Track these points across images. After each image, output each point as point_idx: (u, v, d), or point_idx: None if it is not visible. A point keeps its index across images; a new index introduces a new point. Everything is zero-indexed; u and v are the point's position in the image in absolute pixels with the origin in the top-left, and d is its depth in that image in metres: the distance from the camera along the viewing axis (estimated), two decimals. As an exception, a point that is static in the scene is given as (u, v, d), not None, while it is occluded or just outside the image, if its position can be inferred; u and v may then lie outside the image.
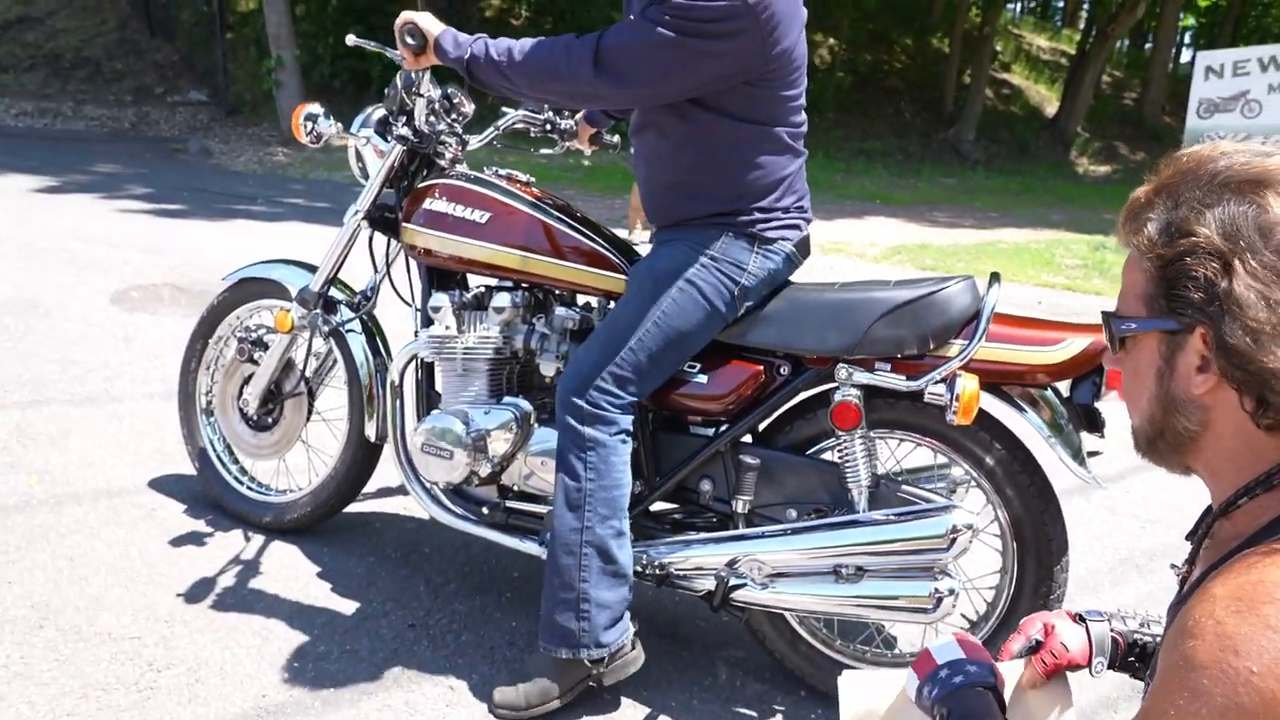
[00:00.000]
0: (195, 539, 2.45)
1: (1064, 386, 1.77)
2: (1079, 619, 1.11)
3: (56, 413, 3.22)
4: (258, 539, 2.48)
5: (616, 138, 2.59)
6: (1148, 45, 26.65)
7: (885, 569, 1.73)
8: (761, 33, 1.61)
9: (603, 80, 1.65)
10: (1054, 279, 7.46)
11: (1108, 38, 19.07)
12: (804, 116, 1.81)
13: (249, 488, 2.55)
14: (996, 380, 1.72)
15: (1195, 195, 0.81)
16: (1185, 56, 26.50)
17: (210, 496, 2.61)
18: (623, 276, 1.95)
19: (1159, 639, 1.07)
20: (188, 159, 12.04)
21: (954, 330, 1.72)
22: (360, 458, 2.36)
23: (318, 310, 2.27)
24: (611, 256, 1.96)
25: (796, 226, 1.84)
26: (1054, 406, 1.76)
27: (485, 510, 2.07)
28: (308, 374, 2.41)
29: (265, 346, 2.38)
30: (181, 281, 5.30)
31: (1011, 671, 1.08)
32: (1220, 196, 0.80)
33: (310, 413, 2.46)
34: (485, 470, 1.98)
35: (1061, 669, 1.08)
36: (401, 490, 2.83)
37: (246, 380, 2.47)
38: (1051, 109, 20.61)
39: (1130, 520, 2.92)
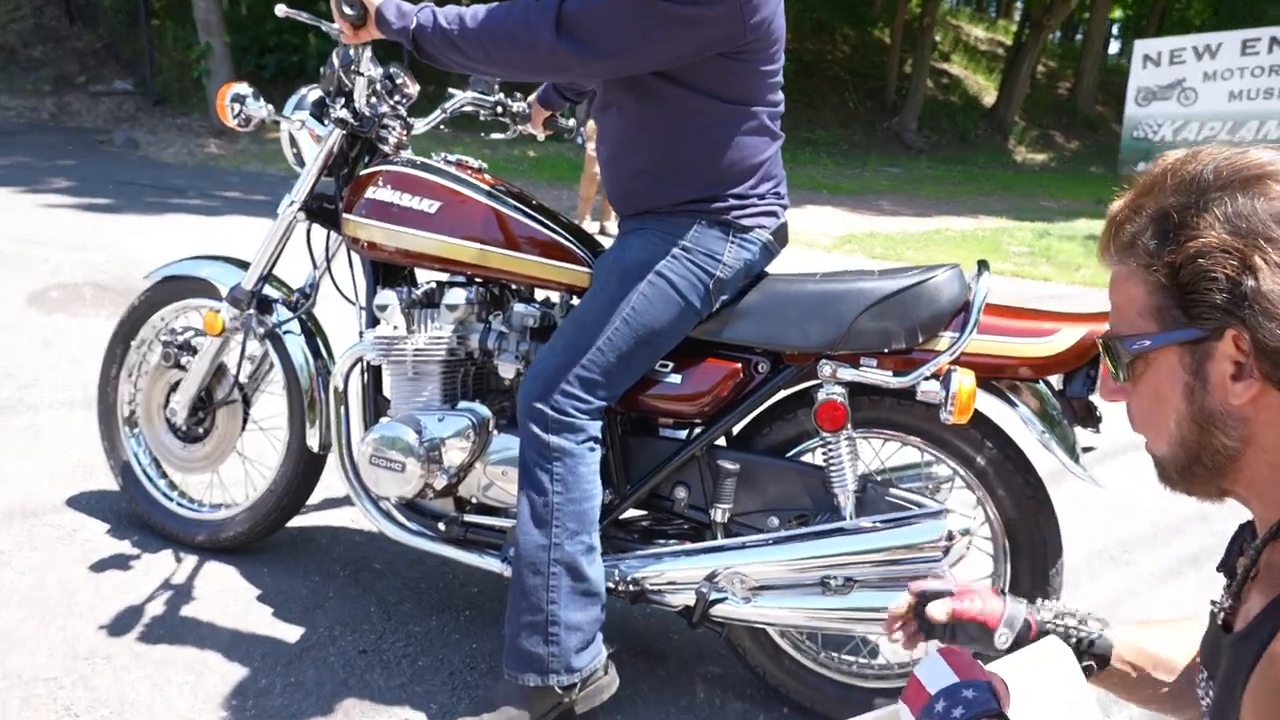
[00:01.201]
0: (120, 562, 2.24)
1: (1056, 379, 1.68)
2: (1000, 593, 1.08)
3: (-37, 426, 2.96)
4: (190, 560, 2.28)
5: (572, 121, 2.44)
6: (1078, 37, 27.31)
7: (876, 579, 1.63)
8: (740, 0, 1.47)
9: (565, 47, 1.50)
10: (1003, 266, 7.51)
11: (1043, 29, 19.43)
12: (781, 96, 1.68)
13: (179, 504, 2.35)
14: (988, 374, 1.62)
15: (1188, 198, 0.77)
16: (1114, 48, 27.15)
17: (137, 515, 2.40)
18: (586, 270, 1.80)
19: (1079, 630, 1.04)
20: (114, 151, 11.49)
21: (943, 322, 1.62)
22: (302, 469, 2.18)
23: (251, 310, 2.08)
24: (574, 248, 1.81)
25: (774, 213, 1.71)
26: (1046, 400, 1.67)
27: (441, 525, 1.91)
28: (242, 379, 2.21)
29: (193, 351, 2.18)
30: (105, 280, 4.99)
31: (1009, 671, 0.97)
32: (1218, 195, 0.75)
33: (245, 422, 2.26)
34: (440, 482, 1.82)
35: (966, 617, 1.05)
36: (348, 501, 2.65)
37: (173, 387, 2.27)
38: (990, 98, 20.95)
39: (1106, 511, 2.88)
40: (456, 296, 1.84)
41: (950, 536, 1.57)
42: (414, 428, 1.78)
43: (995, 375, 1.63)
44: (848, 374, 1.65)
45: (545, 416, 1.63)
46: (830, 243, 8.36)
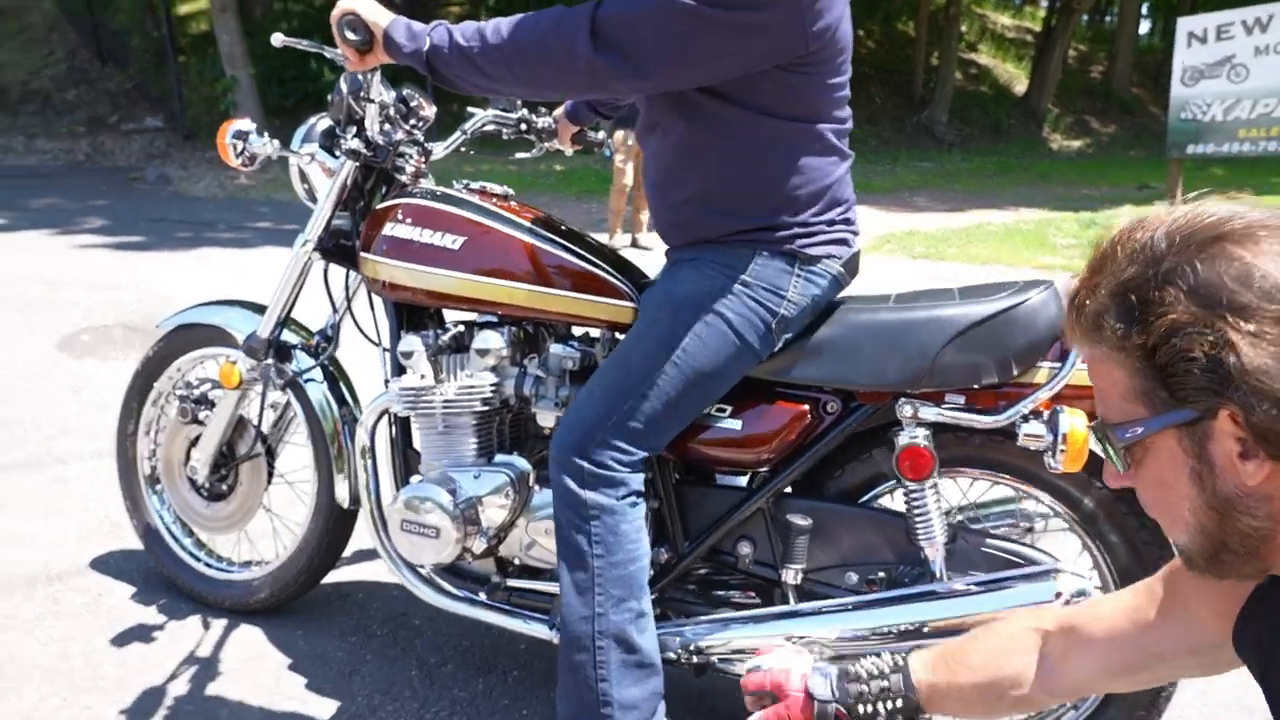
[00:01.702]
0: (147, 631, 2.10)
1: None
2: (810, 699, 1.06)
3: (-11, 484, 2.87)
4: (219, 624, 2.14)
5: (602, 134, 2.27)
6: (1107, 19, 26.66)
7: (976, 646, 1.43)
8: (801, 4, 1.29)
9: (603, 61, 1.32)
10: (1051, 260, 7.21)
11: (1073, 12, 18.95)
12: (849, 111, 1.49)
13: (207, 564, 2.21)
14: (1093, 411, 1.42)
15: (1145, 271, 0.72)
16: (1143, 28, 26.41)
17: (164, 576, 2.27)
18: (629, 304, 1.63)
19: (890, 695, 1.04)
20: (146, 187, 11.60)
21: (1041, 351, 1.42)
22: (333, 525, 2.03)
23: (269, 360, 1.93)
24: (614, 281, 1.64)
25: (844, 241, 1.52)
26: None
27: (483, 592, 1.75)
28: (264, 431, 2.07)
29: (211, 404, 2.04)
30: (135, 320, 4.93)
31: None
32: (1176, 264, 0.71)
33: (271, 476, 2.12)
34: (479, 546, 1.65)
35: None
36: (383, 553, 2.51)
37: (193, 443, 2.13)
38: (1021, 87, 20.48)
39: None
40: (487, 340, 1.68)
41: (1065, 599, 1.36)
42: (447, 488, 1.62)
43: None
44: (931, 414, 1.46)
45: (581, 470, 1.46)
46: (869, 243, 8.10)
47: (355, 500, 1.96)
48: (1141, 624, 0.98)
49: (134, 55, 15.53)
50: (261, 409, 1.97)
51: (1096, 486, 1.47)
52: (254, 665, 1.98)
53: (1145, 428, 0.75)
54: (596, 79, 1.35)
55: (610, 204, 7.40)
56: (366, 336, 1.98)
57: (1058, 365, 1.42)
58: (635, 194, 7.38)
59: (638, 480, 1.48)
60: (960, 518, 1.62)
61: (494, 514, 1.65)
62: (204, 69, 14.00)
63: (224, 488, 2.12)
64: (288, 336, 2.00)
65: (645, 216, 7.59)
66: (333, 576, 2.31)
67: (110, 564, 2.41)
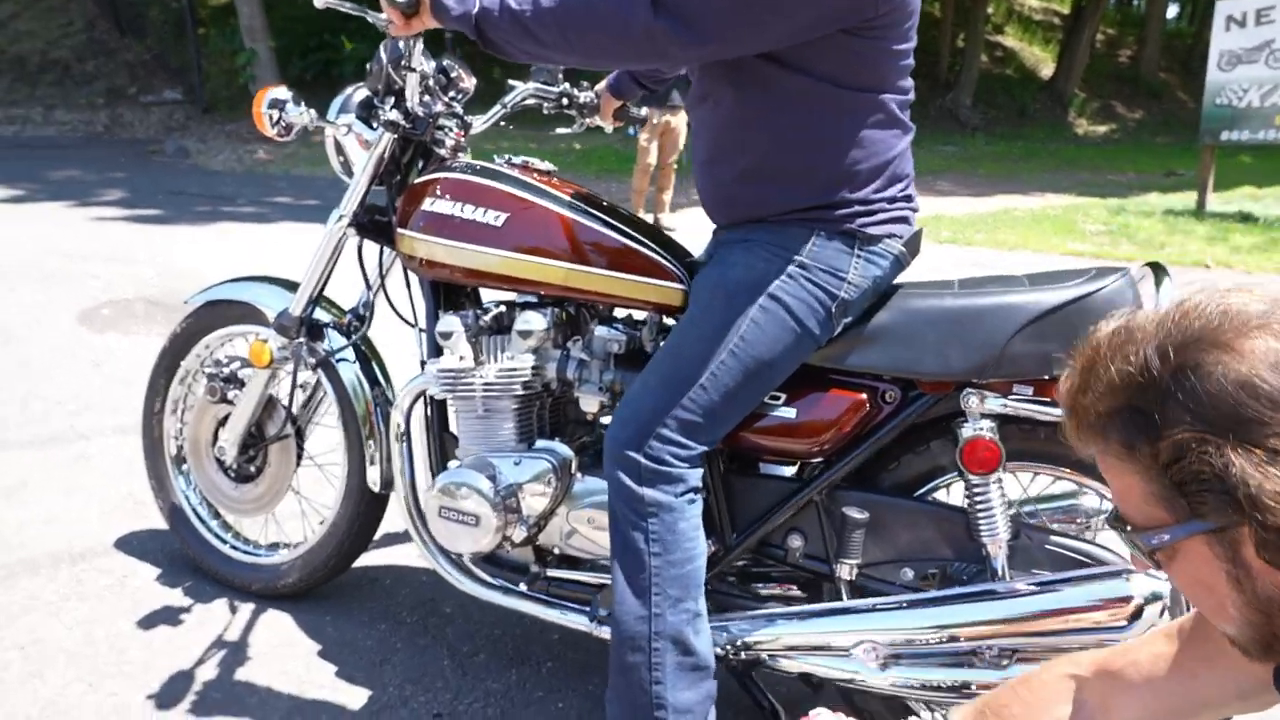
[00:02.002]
0: (173, 614, 2.07)
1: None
2: None
3: (12, 460, 2.83)
4: (246, 609, 2.10)
5: (645, 111, 2.19)
6: (1135, 2, 26.17)
7: (1042, 651, 1.36)
8: None
9: (663, 26, 1.24)
10: (1081, 247, 7.09)
11: (1103, -6, 18.60)
12: (912, 81, 1.41)
13: (234, 547, 2.17)
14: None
15: (1146, 389, 0.69)
16: (1171, 11, 25.88)
17: (189, 558, 2.23)
18: (679, 286, 1.56)
19: None
20: (164, 160, 11.57)
21: (1117, 341, 1.35)
22: (363, 509, 1.98)
23: (301, 339, 1.88)
24: (664, 262, 1.57)
25: (905, 219, 1.45)
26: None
27: (523, 582, 1.70)
28: (294, 412, 2.02)
29: (240, 383, 1.99)
30: (156, 294, 4.89)
31: None
32: (1173, 378, 0.68)
33: (300, 457, 2.07)
34: (519, 534, 1.60)
35: None
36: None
37: (221, 423, 2.09)
38: (1047, 70, 20.16)
39: None
40: (530, 321, 1.62)
41: (1137, 603, 1.29)
42: (487, 474, 1.57)
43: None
44: (997, 405, 1.39)
45: (639, 466, 1.39)
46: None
47: (388, 484, 1.91)
48: (1184, 670, 0.93)
49: (153, 26, 15.48)
50: (292, 388, 1.92)
51: (1170, 485, 1.40)
52: (283, 651, 1.94)
53: (1172, 535, 0.72)
54: (655, 45, 1.27)
55: (633, 183, 7.31)
56: (401, 316, 1.92)
57: (1135, 357, 1.34)
58: (659, 173, 7.29)
59: (696, 476, 1.42)
60: (1014, 512, 1.55)
61: (535, 502, 1.59)
62: (223, 41, 13.93)
63: (252, 469, 2.07)
64: (320, 315, 1.94)
65: (668, 196, 7.50)
66: (360, 561, 2.26)
67: (134, 544, 2.37)
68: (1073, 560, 1.41)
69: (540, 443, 1.65)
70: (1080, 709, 0.97)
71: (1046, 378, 1.37)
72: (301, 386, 2.05)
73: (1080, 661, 1.01)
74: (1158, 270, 1.41)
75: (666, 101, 2.10)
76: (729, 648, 1.52)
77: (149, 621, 2.03)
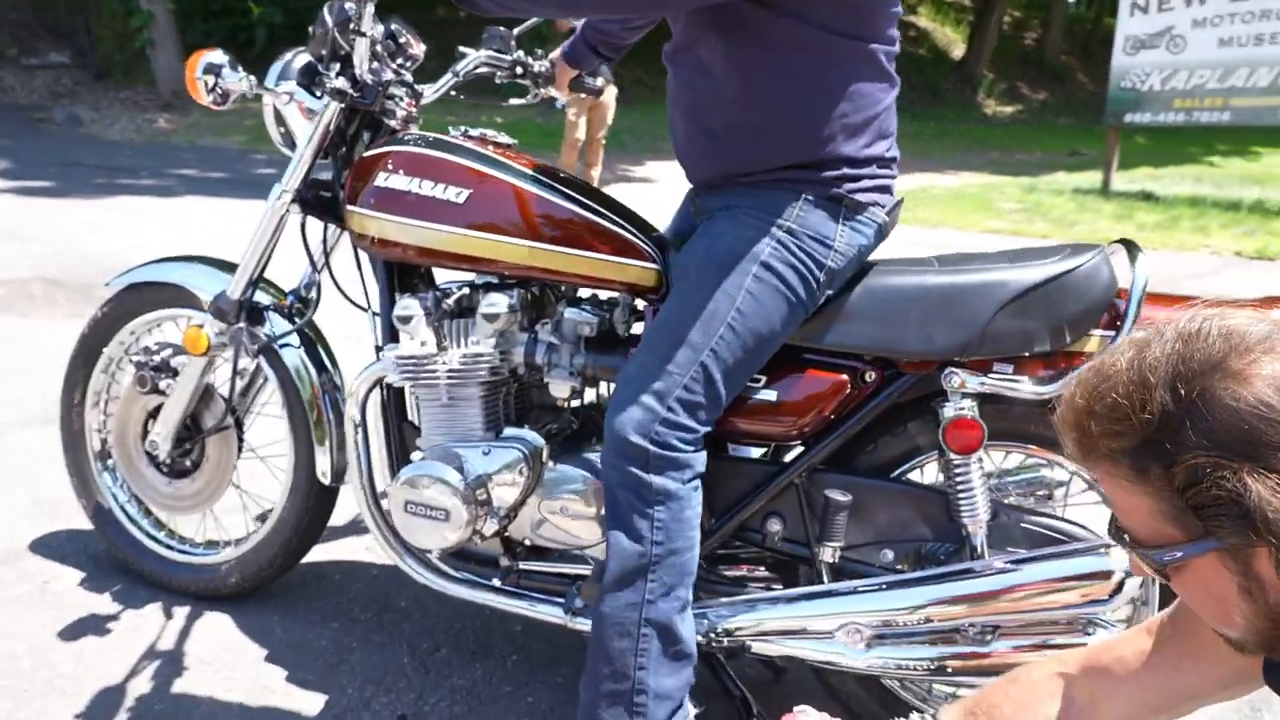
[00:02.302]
0: (103, 621, 1.92)
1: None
2: None
3: (-95, 457, 2.60)
4: (184, 612, 1.97)
5: (600, 81, 2.12)
6: (1039, -15, 27.06)
7: (1025, 628, 1.38)
8: None
9: None
10: (999, 224, 7.31)
11: (1011, -23, 19.16)
12: (898, 33, 1.39)
13: (169, 547, 2.03)
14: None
15: (1157, 415, 0.70)
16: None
17: (119, 559, 2.08)
18: (655, 266, 1.51)
19: None
20: (54, 129, 10.82)
21: (1095, 318, 1.36)
22: (312, 503, 1.88)
23: (241, 324, 1.75)
24: (638, 241, 1.51)
25: (887, 188, 1.43)
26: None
27: (496, 577, 1.63)
28: (234, 402, 1.89)
29: (174, 372, 1.85)
30: (55, 274, 4.57)
31: None
32: (1185, 405, 0.69)
33: (241, 448, 1.95)
34: (490, 527, 1.53)
35: None
36: (362, 527, 2.36)
37: (152, 414, 1.94)
38: (958, 51, 20.67)
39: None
40: (496, 303, 1.54)
41: (1117, 577, 1.32)
42: (455, 465, 1.49)
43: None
44: (979, 384, 1.39)
45: (646, 453, 1.34)
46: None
47: (339, 476, 1.81)
48: (1168, 664, 0.95)
49: (35, -14, 14.39)
50: (233, 377, 1.79)
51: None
52: (229, 657, 1.83)
53: (1184, 553, 0.73)
54: None
55: (561, 159, 7.17)
56: (349, 299, 1.82)
57: (1110, 334, 1.36)
58: (587, 148, 7.18)
59: (701, 460, 1.38)
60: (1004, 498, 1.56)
61: (506, 493, 1.52)
62: (117, 1, 13.07)
63: (188, 464, 1.94)
64: (260, 297, 1.82)
65: (596, 172, 7.40)
66: (306, 558, 2.15)
67: (53, 547, 2.20)
68: (1049, 538, 1.43)
69: (508, 431, 1.58)
70: (1069, 706, 0.99)
71: (1026, 354, 1.38)
72: (239, 374, 1.92)
73: (1067, 660, 1.03)
74: (1130, 247, 1.42)
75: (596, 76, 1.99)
76: (710, 634, 1.50)
77: (76, 630, 1.88)
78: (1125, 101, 8.54)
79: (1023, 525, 1.46)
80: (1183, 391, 0.69)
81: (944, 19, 22.08)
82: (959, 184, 9.93)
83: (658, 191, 8.02)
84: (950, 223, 7.33)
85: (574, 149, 7.04)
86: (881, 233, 1.43)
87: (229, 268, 1.91)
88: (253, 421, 2.01)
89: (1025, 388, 1.38)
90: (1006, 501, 1.51)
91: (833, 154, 1.35)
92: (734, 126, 1.38)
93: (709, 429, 1.38)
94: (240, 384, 1.91)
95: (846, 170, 1.36)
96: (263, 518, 1.99)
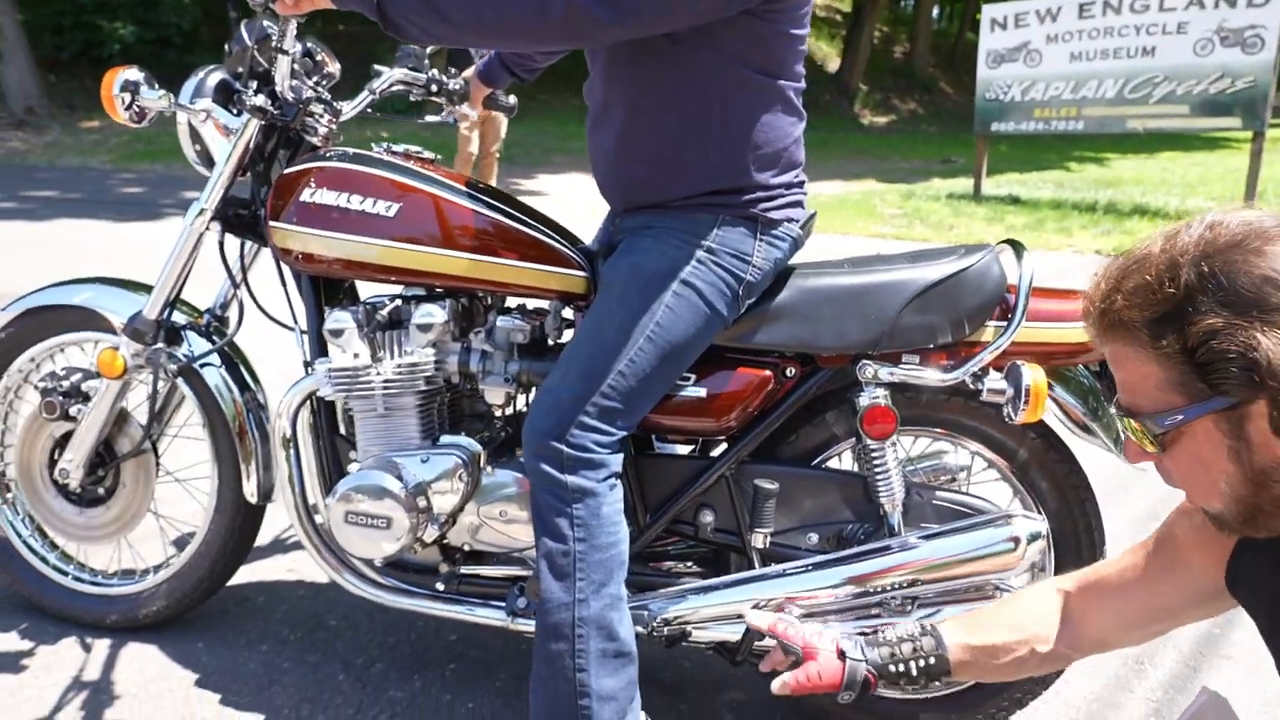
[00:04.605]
0: (12, 661, 1.83)
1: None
2: (841, 655, 1.11)
3: None
4: (103, 645, 1.90)
5: (513, 99, 2.17)
6: (901, 2, 28.53)
7: (940, 595, 1.50)
8: None
9: (584, 4, 1.23)
10: (882, 229, 7.69)
11: (880, -6, 20.14)
12: (803, 70, 1.49)
13: (78, 579, 1.95)
14: (1036, 363, 1.51)
15: (1179, 282, 0.79)
16: (934, 12, 28.37)
17: (22, 597, 1.98)
18: (584, 274, 1.57)
19: (916, 658, 1.10)
20: (-109, 149, 9.99)
21: (990, 310, 1.50)
22: (239, 523, 1.84)
23: (159, 345, 1.71)
24: (565, 250, 1.57)
25: (799, 203, 1.53)
26: (1088, 385, 1.58)
27: (440, 582, 1.65)
28: (151, 425, 1.84)
29: (85, 397, 1.79)
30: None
31: None
32: (1205, 274, 0.78)
33: (158, 473, 1.89)
34: (431, 534, 1.55)
35: (806, 691, 1.10)
36: (283, 547, 2.32)
37: (59, 443, 1.87)
38: (833, 65, 21.57)
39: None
40: (430, 314, 1.57)
41: (1021, 542, 1.45)
42: (394, 474, 1.51)
43: (1044, 364, 1.52)
44: (890, 374, 1.51)
45: (560, 454, 1.39)
46: (712, 214, 8.29)
47: (267, 495, 1.79)
48: (1146, 579, 1.07)
49: None
50: (152, 400, 1.75)
51: (1030, 437, 1.58)
52: (155, 687, 1.77)
53: (1185, 415, 0.82)
54: (573, 28, 1.27)
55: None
56: (270, 316, 1.80)
57: (1004, 324, 1.50)
58: (480, 163, 7.16)
59: (617, 461, 1.43)
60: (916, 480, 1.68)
61: (446, 500, 1.55)
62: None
63: (101, 491, 1.87)
64: (178, 318, 1.78)
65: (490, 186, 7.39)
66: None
67: (-55, 587, 2.07)
68: (956, 512, 1.56)
69: (445, 438, 1.61)
70: (1066, 619, 1.11)
71: (931, 346, 1.51)
72: (157, 395, 1.87)
73: (1065, 580, 1.15)
74: (1016, 246, 1.58)
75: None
76: (651, 625, 1.56)
77: (-17, 673, 1.79)
78: (991, 111, 9.13)
79: (934, 503, 1.58)
80: (1205, 268, 0.78)
81: (818, 33, 22.99)
82: (842, 191, 10.37)
83: (548, 205, 8.07)
84: (835, 229, 7.66)
85: (467, 164, 7.01)
86: (796, 245, 1.54)
87: (138, 289, 1.86)
88: (167, 445, 1.95)
89: (932, 376, 1.50)
90: (919, 482, 1.64)
91: (748, 182, 1.44)
92: (653, 159, 1.45)
93: (626, 433, 1.45)
94: (157, 406, 1.86)
95: (761, 194, 1.46)
96: (180, 543, 1.94)
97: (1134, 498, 2.72)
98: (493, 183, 7.45)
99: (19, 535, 1.96)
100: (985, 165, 9.55)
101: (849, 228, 7.73)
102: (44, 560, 1.95)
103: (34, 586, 1.95)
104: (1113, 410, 0.91)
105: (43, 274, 1.94)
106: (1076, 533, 1.61)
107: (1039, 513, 1.61)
